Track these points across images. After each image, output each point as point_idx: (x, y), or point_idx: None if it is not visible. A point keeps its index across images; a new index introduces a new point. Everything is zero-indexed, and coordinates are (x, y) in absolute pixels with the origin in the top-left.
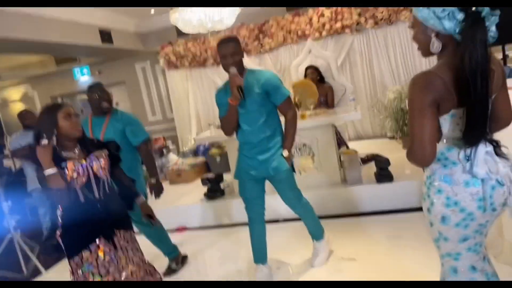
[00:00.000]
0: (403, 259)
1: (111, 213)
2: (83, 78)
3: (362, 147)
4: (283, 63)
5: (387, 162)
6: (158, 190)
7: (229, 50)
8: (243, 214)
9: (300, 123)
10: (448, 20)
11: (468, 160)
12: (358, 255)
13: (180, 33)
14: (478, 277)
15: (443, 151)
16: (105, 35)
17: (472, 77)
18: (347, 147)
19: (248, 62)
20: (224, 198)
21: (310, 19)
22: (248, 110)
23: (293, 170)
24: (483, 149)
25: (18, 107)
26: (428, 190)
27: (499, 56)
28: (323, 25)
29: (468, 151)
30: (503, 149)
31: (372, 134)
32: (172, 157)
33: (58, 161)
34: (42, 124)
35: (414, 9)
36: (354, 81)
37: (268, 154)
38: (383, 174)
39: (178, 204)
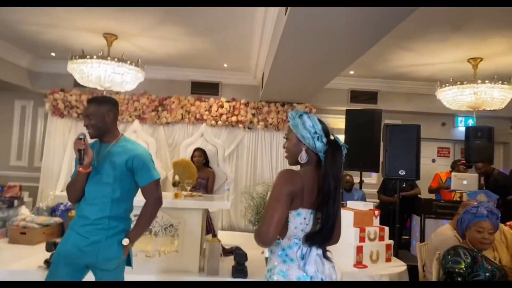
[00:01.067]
0: None
1: None
2: None
3: (231, 238)
4: (176, 138)
5: (244, 257)
6: None
7: (91, 110)
8: None
9: (172, 203)
10: (319, 141)
11: (302, 258)
12: None
13: (76, 83)
14: None
15: (285, 247)
16: None
17: (331, 187)
18: (214, 235)
19: (141, 130)
20: None
21: (210, 107)
22: (100, 181)
23: (129, 264)
24: (315, 251)
25: None
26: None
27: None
28: (221, 115)
29: (305, 250)
30: (328, 253)
31: (244, 227)
32: (23, 211)
33: None
34: None
35: (292, 125)
36: (237, 172)
37: (103, 236)
38: (239, 269)
39: (9, 267)
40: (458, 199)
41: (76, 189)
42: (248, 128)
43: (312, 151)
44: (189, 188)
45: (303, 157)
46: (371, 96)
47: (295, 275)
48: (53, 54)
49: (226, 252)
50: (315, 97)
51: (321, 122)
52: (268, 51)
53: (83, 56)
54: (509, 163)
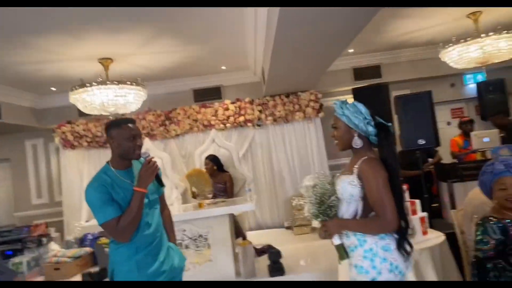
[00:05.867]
0: None
1: None
2: None
3: (260, 237)
4: (188, 149)
5: (278, 254)
6: None
7: (139, 131)
8: None
9: (197, 213)
10: (369, 125)
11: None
12: None
13: (81, 113)
14: None
15: None
16: None
17: (394, 166)
18: (244, 238)
19: (152, 147)
20: None
21: (216, 111)
22: (150, 201)
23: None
24: None
25: None
26: (371, 261)
27: None
28: (228, 117)
29: None
30: None
31: (271, 224)
32: (53, 247)
33: None
34: None
35: (340, 114)
36: (255, 171)
37: (167, 250)
38: (276, 267)
39: None
40: (482, 158)
41: (140, 217)
42: (257, 125)
43: (363, 135)
44: (210, 196)
45: (357, 142)
46: (375, 70)
47: (395, 246)
48: (53, 88)
49: (259, 252)
50: (319, 82)
51: (365, 107)
52: (264, 45)
53: (82, 85)
54: None
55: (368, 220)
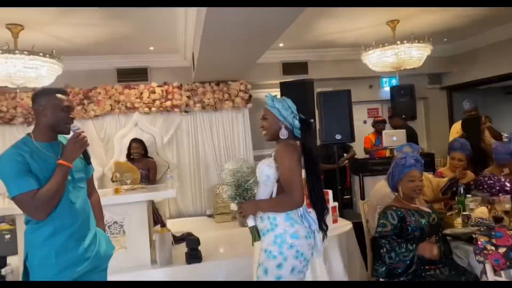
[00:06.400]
0: None
1: None
2: None
3: (181, 225)
4: (107, 131)
5: (196, 242)
6: None
7: (73, 103)
8: None
9: (113, 199)
10: (296, 119)
11: (302, 218)
12: None
13: None
14: None
15: (288, 212)
16: None
17: (314, 156)
18: (163, 225)
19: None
20: None
21: (141, 93)
22: (75, 178)
23: None
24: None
25: None
26: (279, 247)
27: None
28: (154, 101)
29: (301, 210)
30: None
31: (193, 212)
32: None
33: None
34: None
35: (271, 107)
36: (179, 158)
37: (93, 235)
38: (193, 254)
39: None
40: (390, 155)
41: (62, 192)
42: (185, 111)
43: (289, 128)
44: (129, 181)
45: (283, 133)
46: (302, 67)
47: (303, 234)
48: None
49: (178, 239)
50: (248, 73)
51: (293, 103)
52: (195, 30)
53: None
54: (429, 116)
55: (277, 198)
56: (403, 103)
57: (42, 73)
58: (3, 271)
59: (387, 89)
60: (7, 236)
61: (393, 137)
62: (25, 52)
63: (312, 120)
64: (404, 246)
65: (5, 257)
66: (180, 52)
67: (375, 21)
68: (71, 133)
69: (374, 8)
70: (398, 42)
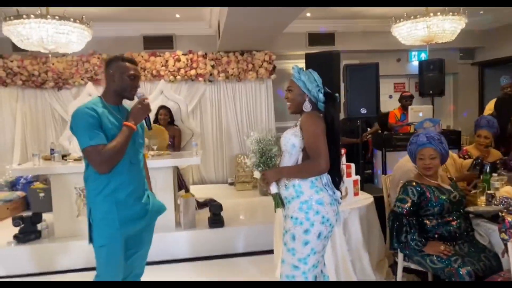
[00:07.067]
0: None
1: None
2: None
3: (204, 191)
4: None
5: (219, 207)
6: None
7: (140, 73)
8: (62, 260)
9: None
10: (320, 93)
11: (326, 185)
12: None
13: (16, 47)
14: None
15: (312, 179)
16: None
17: (337, 128)
18: (187, 190)
19: (96, 92)
20: (40, 241)
21: (166, 61)
22: (136, 142)
23: None
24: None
25: None
26: (306, 214)
27: None
28: (179, 69)
29: (325, 179)
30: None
31: (215, 179)
32: None
33: None
34: None
35: (296, 79)
36: (202, 126)
37: (147, 196)
38: (216, 219)
39: None
40: (414, 131)
41: (125, 151)
42: (209, 81)
43: (313, 101)
44: (155, 147)
45: (307, 105)
46: (329, 38)
47: (328, 201)
48: None
49: (201, 205)
50: (274, 43)
51: (318, 76)
52: None
53: (18, 16)
54: (458, 92)
55: (301, 164)
56: (431, 78)
57: (72, 38)
58: (39, 226)
59: (415, 63)
60: (41, 194)
61: (419, 113)
62: (56, 17)
63: (337, 94)
64: (417, 238)
65: (40, 214)
66: (206, 20)
67: None
68: (135, 99)
69: None
70: (431, 14)
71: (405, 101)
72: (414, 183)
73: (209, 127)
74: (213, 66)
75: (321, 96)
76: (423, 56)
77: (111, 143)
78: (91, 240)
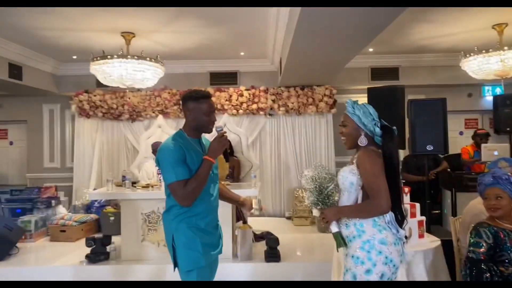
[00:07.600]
0: None
1: None
2: None
3: (261, 224)
4: None
5: (276, 241)
6: None
7: (215, 107)
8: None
9: None
10: (377, 127)
11: (390, 224)
12: None
13: (99, 83)
14: None
15: (375, 218)
16: (15, 70)
17: (395, 164)
18: (245, 222)
19: (165, 124)
20: (108, 262)
21: (230, 96)
22: (213, 175)
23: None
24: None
25: None
26: (368, 253)
27: None
28: (241, 104)
29: (388, 217)
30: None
31: (273, 212)
32: (61, 210)
33: None
34: None
35: (351, 113)
36: (262, 159)
37: (219, 226)
38: (272, 253)
39: (53, 264)
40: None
41: (205, 183)
42: (269, 114)
43: (369, 135)
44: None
45: (363, 140)
46: (392, 72)
47: (391, 240)
48: (74, 57)
49: (257, 237)
50: (335, 78)
51: (373, 109)
52: (284, 35)
53: (104, 56)
54: None
55: (362, 204)
56: (507, 115)
57: (147, 75)
58: (108, 248)
59: (489, 98)
60: (112, 218)
61: (493, 152)
62: (135, 57)
63: (394, 127)
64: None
65: (110, 236)
66: (268, 57)
67: (479, 25)
68: (214, 132)
69: (479, 11)
70: (506, 47)
71: (480, 139)
72: (485, 224)
73: (268, 160)
74: (273, 101)
75: (377, 130)
76: (498, 90)
77: (193, 178)
78: (176, 265)
